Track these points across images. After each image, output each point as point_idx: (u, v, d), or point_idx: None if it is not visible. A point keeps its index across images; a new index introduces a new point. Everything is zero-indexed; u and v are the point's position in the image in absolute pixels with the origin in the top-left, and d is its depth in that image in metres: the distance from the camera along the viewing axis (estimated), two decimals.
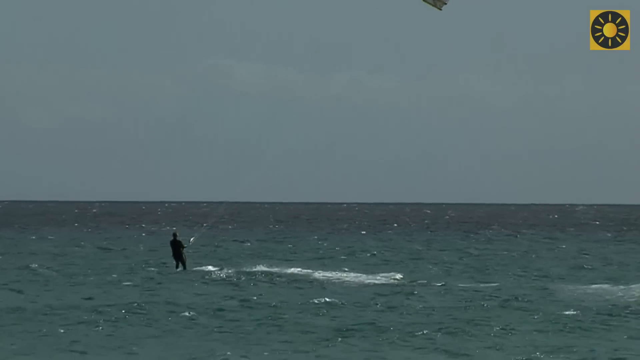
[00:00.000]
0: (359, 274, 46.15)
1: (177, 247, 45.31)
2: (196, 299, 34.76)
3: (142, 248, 54.62)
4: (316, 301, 34.30)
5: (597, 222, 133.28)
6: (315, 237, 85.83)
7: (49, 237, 79.93)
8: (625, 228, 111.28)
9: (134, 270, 46.62)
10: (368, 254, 62.78)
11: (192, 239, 46.68)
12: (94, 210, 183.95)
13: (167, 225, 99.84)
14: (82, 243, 68.76)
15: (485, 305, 33.74)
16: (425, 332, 27.12)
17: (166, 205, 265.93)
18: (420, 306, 33.17)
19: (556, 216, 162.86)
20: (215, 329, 27.87)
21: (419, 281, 43.22)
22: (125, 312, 30.83)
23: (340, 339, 26.21)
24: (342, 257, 59.45)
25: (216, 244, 69.36)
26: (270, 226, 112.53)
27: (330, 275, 45.66)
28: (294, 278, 43.83)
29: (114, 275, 43.32)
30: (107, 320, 28.92)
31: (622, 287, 39.73)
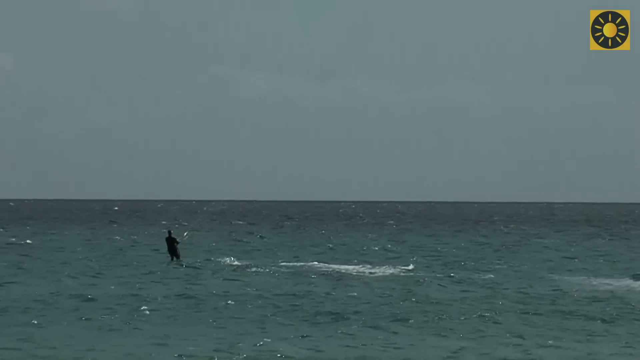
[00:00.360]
0: (377, 267, 47.95)
1: (171, 243, 48.43)
2: (230, 289, 36.89)
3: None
4: (339, 292, 35.88)
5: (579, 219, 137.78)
6: (323, 231, 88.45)
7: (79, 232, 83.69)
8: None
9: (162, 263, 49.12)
10: (376, 248, 64.47)
11: (185, 234, 50.14)
12: (116, 208, 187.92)
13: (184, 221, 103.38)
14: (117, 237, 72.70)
15: (496, 294, 35.50)
16: (445, 319, 28.65)
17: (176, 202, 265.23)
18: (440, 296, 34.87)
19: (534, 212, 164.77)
20: (247, 316, 29.57)
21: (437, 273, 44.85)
22: (169, 300, 33.02)
23: (365, 327, 27.53)
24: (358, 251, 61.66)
25: (237, 238, 74.09)
26: (287, 222, 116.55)
27: (351, 267, 47.71)
28: (318, 271, 45.68)
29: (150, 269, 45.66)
30: (153, 308, 30.63)
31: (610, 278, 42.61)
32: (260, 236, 78.34)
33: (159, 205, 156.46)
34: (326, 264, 49.11)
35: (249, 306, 31.77)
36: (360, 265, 48.66)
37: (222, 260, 49.92)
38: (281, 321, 28.68)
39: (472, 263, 51.81)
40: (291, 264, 49.53)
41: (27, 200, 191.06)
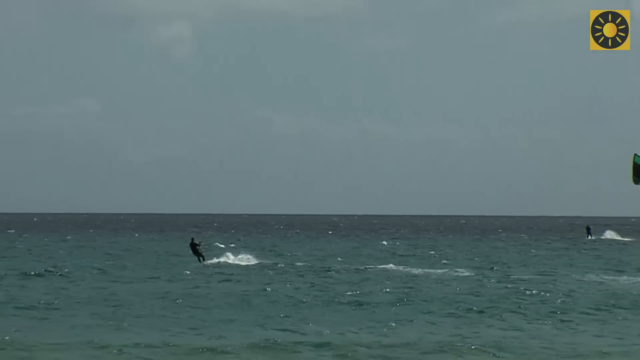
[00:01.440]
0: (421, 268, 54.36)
1: (194, 247, 56.70)
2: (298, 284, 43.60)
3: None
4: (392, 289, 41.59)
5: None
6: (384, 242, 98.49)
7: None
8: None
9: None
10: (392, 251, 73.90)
11: (201, 242, 59.41)
12: (132, 220, 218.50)
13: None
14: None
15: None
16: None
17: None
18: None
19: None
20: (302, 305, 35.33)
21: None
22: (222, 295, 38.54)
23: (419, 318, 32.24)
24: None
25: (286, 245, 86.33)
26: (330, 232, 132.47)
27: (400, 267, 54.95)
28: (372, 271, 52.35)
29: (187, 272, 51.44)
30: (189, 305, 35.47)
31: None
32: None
33: (215, 224, 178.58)
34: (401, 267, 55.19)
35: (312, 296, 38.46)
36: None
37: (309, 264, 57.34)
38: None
39: (485, 263, 60.21)
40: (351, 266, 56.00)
41: (114, 213, 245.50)
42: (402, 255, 70.18)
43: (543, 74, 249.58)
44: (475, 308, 34.48)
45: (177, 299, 36.88)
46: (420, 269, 53.25)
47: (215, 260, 57.11)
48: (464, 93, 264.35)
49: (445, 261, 61.26)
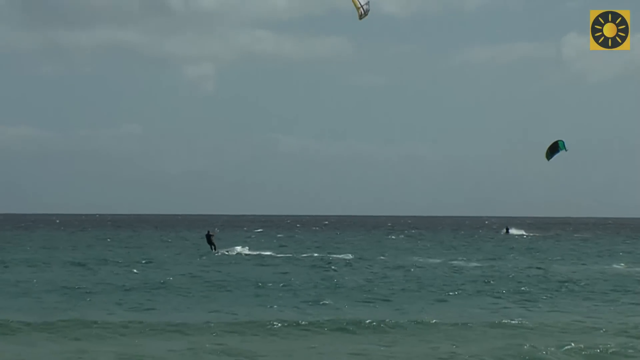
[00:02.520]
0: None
1: (209, 238, 65.28)
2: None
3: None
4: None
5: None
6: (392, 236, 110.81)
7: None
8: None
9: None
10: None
11: (216, 229, 71.08)
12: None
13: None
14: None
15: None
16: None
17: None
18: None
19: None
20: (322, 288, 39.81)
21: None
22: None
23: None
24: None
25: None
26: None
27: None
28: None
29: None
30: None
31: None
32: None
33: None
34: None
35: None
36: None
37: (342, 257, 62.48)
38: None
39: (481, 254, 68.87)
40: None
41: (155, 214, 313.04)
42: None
43: (492, 105, 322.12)
44: None
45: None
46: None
47: (225, 251, 64.35)
48: (431, 117, 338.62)
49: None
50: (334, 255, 62.49)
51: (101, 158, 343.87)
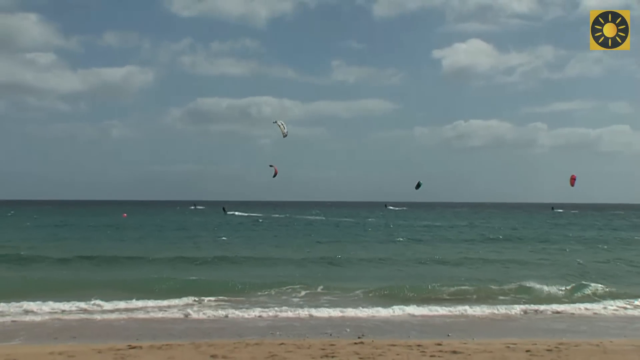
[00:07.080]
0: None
1: (224, 210, 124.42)
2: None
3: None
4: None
5: None
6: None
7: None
8: None
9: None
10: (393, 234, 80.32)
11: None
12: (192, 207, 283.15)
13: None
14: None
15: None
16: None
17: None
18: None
19: None
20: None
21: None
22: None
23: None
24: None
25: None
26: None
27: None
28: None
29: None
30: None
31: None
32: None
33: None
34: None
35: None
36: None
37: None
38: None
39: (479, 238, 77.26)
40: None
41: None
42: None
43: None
44: None
45: None
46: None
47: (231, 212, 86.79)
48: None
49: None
50: None
51: (165, 184, 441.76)
